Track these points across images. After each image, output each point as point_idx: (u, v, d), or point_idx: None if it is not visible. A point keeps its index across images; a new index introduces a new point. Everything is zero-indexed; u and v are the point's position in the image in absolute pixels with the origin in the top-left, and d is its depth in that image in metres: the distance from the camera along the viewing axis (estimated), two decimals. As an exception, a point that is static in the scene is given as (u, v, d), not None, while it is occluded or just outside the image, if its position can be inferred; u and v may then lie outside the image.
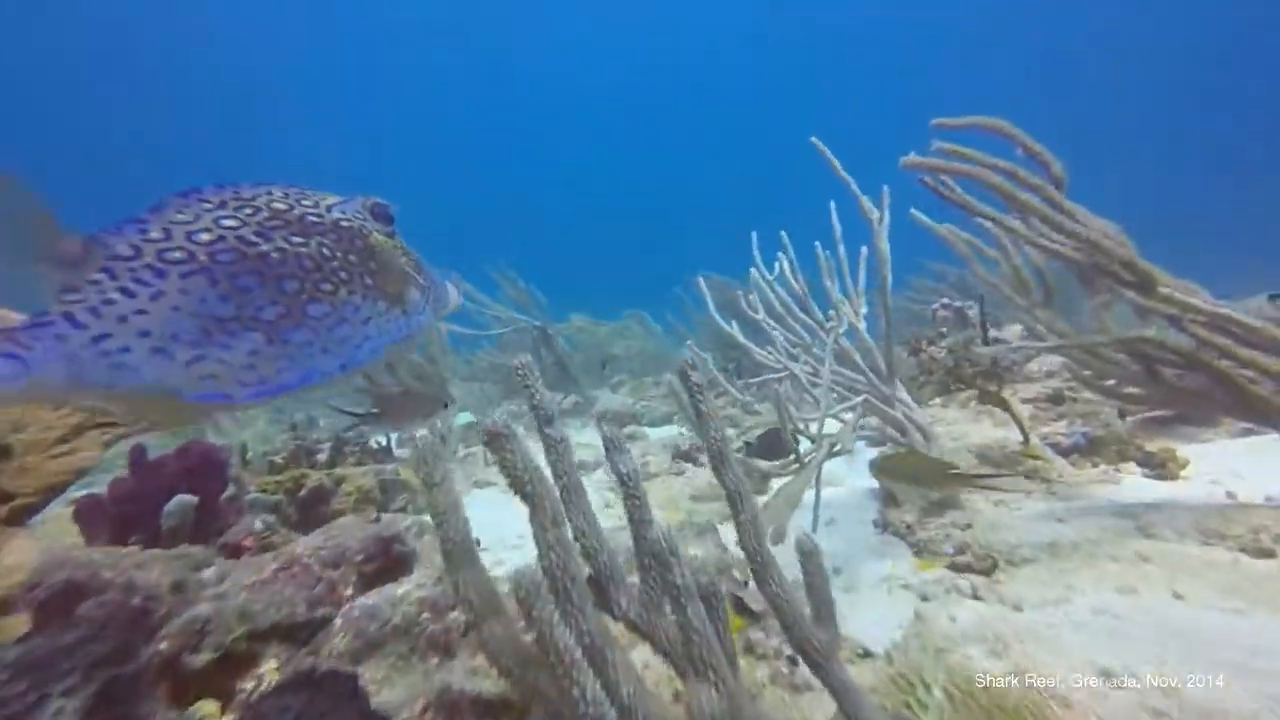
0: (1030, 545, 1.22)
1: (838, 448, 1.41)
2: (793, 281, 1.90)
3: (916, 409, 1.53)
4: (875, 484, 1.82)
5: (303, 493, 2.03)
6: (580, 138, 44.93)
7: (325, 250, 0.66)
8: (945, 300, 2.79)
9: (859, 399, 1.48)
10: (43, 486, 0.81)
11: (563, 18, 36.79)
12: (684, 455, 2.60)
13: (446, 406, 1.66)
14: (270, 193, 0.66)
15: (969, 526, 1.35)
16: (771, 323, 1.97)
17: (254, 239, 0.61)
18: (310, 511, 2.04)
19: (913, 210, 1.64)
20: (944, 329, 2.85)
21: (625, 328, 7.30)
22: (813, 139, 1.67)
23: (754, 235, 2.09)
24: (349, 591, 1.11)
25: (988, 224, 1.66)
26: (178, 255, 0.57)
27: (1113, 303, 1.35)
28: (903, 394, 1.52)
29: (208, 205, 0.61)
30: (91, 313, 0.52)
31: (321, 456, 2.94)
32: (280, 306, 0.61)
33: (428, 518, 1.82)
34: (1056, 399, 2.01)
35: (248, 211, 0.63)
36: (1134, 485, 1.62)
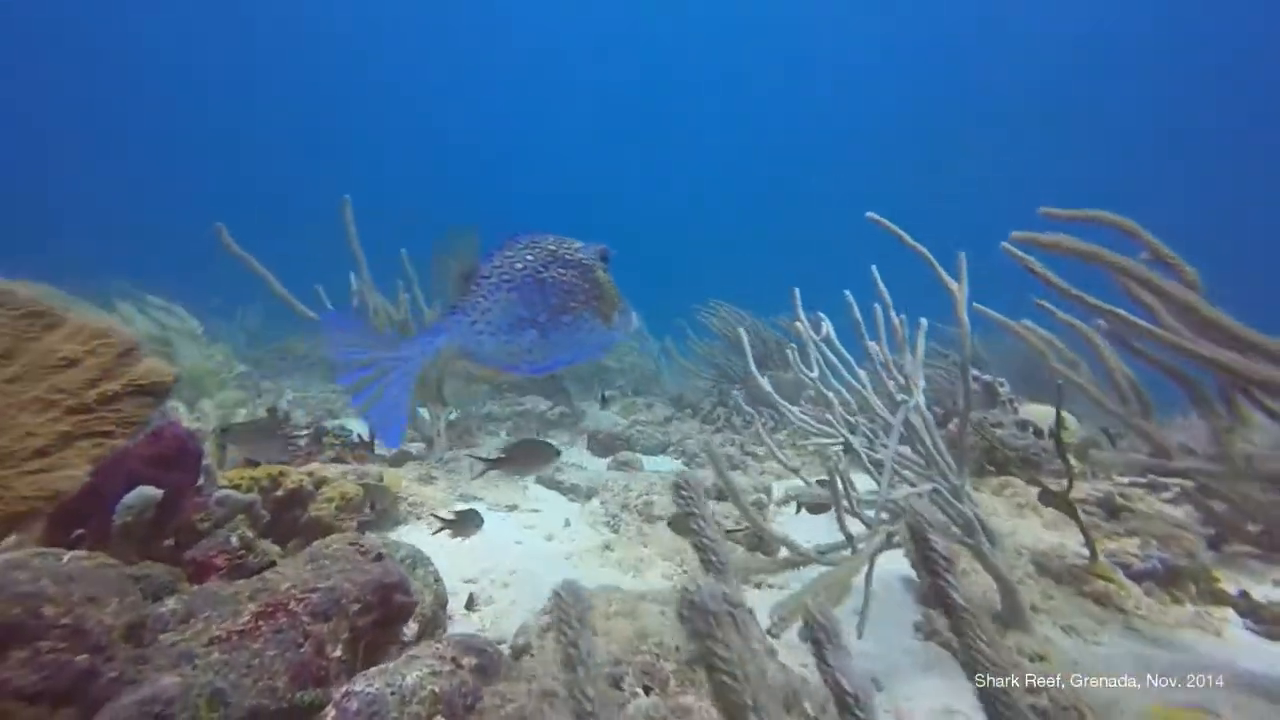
0: (1138, 715, 1.06)
1: (897, 539, 1.28)
2: (830, 347, 1.76)
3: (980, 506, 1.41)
4: (909, 570, 1.68)
5: (279, 493, 1.83)
6: (598, 144, 44.39)
7: (574, 279, 0.92)
8: (973, 372, 2.70)
9: (926, 487, 1.35)
10: (5, 515, 0.63)
11: (587, 22, 36.47)
12: (690, 499, 2.45)
13: (559, 455, 1.88)
14: (548, 238, 0.94)
15: (1042, 659, 1.20)
16: (824, 388, 1.84)
17: (540, 269, 0.90)
18: (285, 514, 1.84)
19: (978, 305, 1.53)
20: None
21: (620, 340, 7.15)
22: (870, 215, 1.56)
23: (796, 291, 1.96)
24: (339, 652, 0.95)
25: (1058, 313, 1.57)
26: (506, 276, 0.88)
27: (1237, 425, 1.25)
28: (969, 487, 1.39)
29: (519, 245, 0.92)
30: (472, 308, 0.86)
31: (299, 444, 2.73)
32: (547, 314, 0.89)
33: (414, 544, 1.63)
34: (1109, 505, 1.85)
35: (537, 251, 0.92)
36: (1241, 643, 1.41)
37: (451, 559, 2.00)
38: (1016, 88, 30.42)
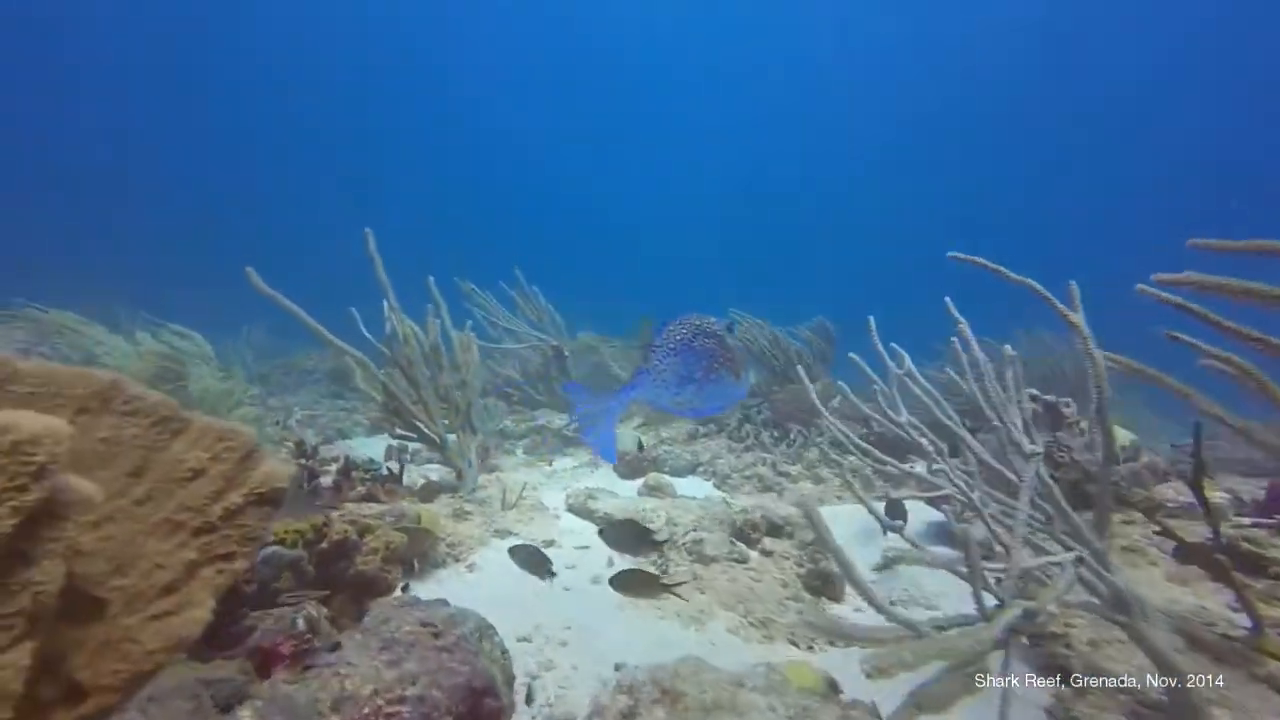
0: None
1: (1041, 618, 1.12)
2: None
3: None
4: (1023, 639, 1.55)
5: (324, 545, 1.73)
6: (605, 148, 43.58)
7: (714, 346, 1.16)
8: (1033, 391, 2.55)
9: (1068, 556, 1.19)
10: (130, 674, 0.54)
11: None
12: (740, 535, 2.36)
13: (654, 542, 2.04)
14: (693, 317, 1.17)
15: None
16: (916, 435, 1.73)
17: (691, 340, 1.15)
18: (330, 567, 1.75)
19: (1113, 354, 1.39)
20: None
21: (634, 348, 7.20)
22: (953, 254, 1.47)
23: (871, 320, 1.87)
24: (438, 777, 0.85)
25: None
26: (672, 347, 1.15)
27: None
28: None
29: (678, 324, 1.17)
30: (652, 370, 1.14)
31: (325, 480, 2.63)
32: (700, 373, 1.14)
33: (471, 608, 1.54)
34: (1234, 552, 1.51)
35: (688, 327, 1.16)
36: None
37: (501, 610, 1.91)
38: (1018, 89, 30.37)
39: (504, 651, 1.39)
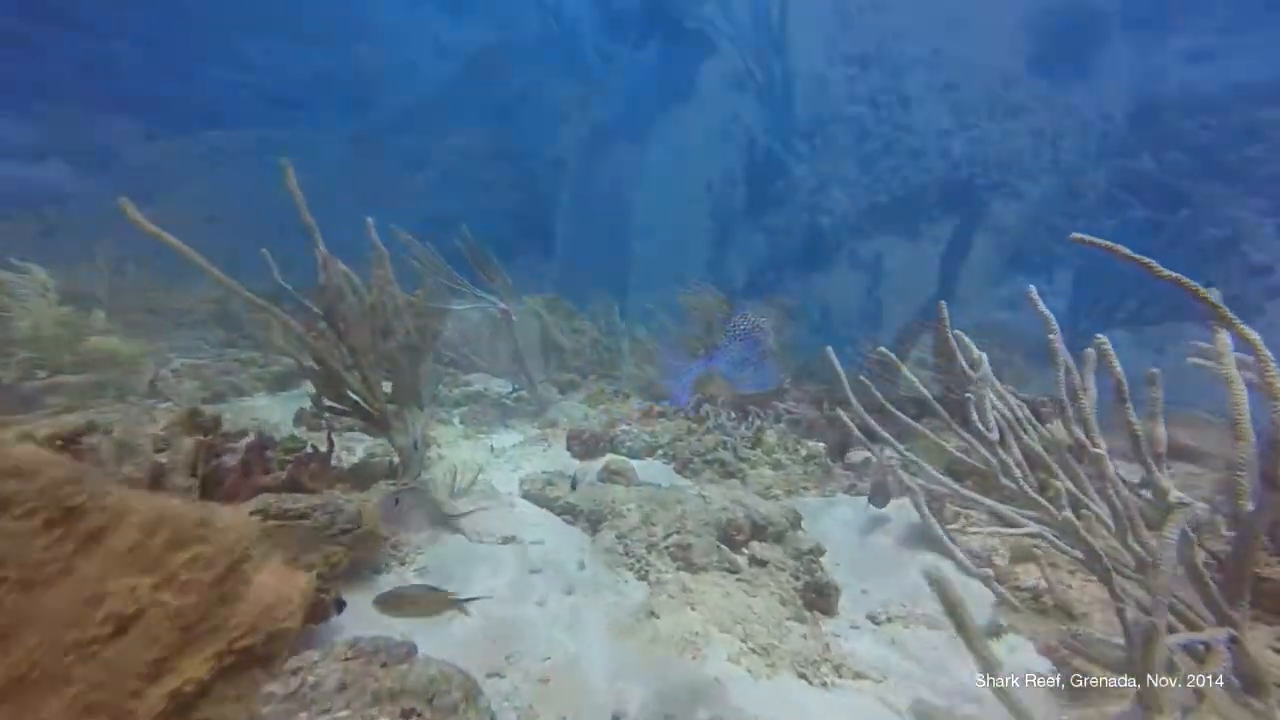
0: None
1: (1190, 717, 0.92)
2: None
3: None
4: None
5: (237, 567, 1.34)
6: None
7: (765, 338, 1.54)
8: (1010, 389, 2.54)
9: (1221, 635, 1.02)
10: None
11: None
12: (726, 539, 2.19)
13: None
14: (749, 314, 1.58)
15: None
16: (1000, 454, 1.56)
17: (750, 330, 1.54)
18: (245, 596, 1.36)
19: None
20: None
21: (585, 314, 6.89)
22: (1076, 235, 1.31)
23: (943, 305, 1.73)
24: None
25: None
26: (736, 334, 1.56)
27: None
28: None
29: (741, 317, 1.56)
30: (724, 348, 1.61)
31: (229, 460, 2.15)
32: (757, 356, 1.52)
33: (447, 664, 1.21)
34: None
35: (749, 321, 1.56)
36: None
37: (460, 636, 1.61)
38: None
39: (492, 717, 1.12)
